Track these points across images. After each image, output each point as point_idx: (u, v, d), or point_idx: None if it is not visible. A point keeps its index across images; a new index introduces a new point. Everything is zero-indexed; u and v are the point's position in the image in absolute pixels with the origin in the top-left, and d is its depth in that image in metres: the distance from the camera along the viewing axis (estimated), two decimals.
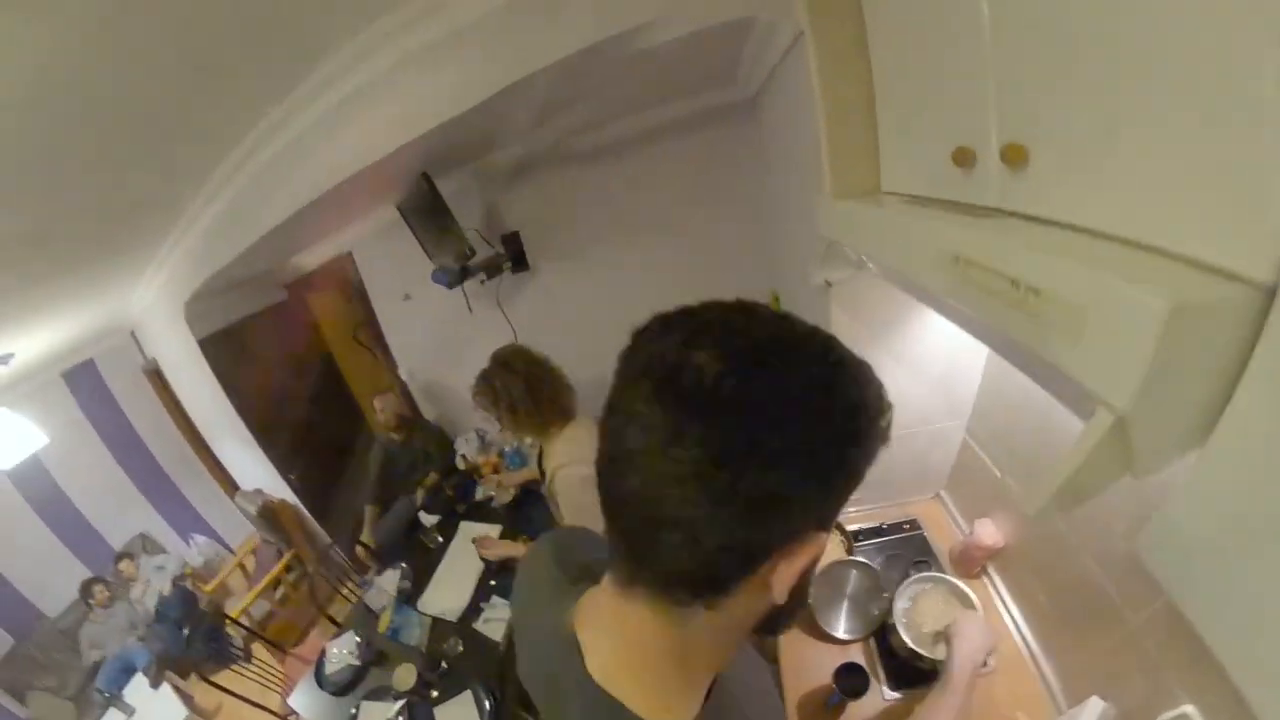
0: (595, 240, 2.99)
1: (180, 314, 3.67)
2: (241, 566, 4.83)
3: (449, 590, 2.67)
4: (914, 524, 2.03)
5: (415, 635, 2.44)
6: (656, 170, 2.79)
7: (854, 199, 1.26)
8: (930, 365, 1.73)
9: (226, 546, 5.84)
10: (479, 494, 3.24)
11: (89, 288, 3.37)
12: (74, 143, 1.70)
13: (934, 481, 2.09)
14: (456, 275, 2.76)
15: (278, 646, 3.45)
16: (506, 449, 3.36)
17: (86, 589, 4.45)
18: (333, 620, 2.93)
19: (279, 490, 4.48)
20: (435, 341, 3.88)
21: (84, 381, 5.25)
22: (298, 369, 4.64)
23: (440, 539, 2.95)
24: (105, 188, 2.07)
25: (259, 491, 4.69)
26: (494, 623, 2.42)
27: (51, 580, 4.83)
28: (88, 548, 5.19)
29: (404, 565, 2.81)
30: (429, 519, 3.15)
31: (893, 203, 1.17)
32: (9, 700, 4.13)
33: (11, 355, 3.49)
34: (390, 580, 2.77)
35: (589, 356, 2.18)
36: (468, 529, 2.94)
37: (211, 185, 2.48)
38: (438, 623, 2.52)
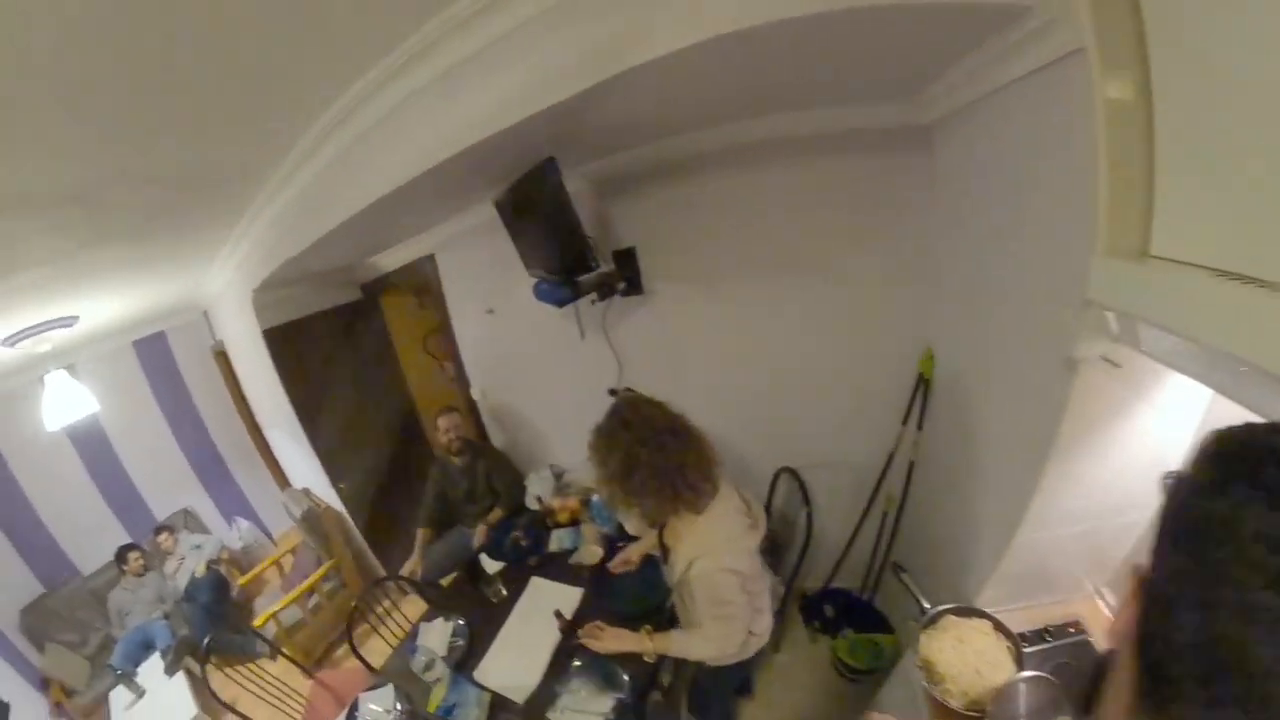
0: (720, 265, 2.48)
1: (248, 300, 3.41)
2: (278, 565, 4.46)
3: (515, 661, 2.17)
4: (1078, 626, 1.68)
5: (472, 715, 1.92)
6: (797, 190, 2.29)
7: (1125, 262, 1.08)
8: (1140, 450, 1.42)
9: (268, 535, 5.72)
10: (553, 544, 2.71)
11: (159, 261, 3.12)
12: (136, 93, 1.35)
13: (1099, 576, 1.74)
14: (568, 291, 2.27)
15: (302, 667, 3.04)
16: (595, 497, 2.78)
17: (122, 554, 4.37)
18: (367, 665, 2.42)
19: (327, 496, 4.14)
20: (516, 363, 3.45)
21: (153, 352, 5.24)
22: (363, 373, 4.25)
23: (504, 592, 2.41)
24: (170, 149, 1.73)
25: (306, 492, 4.40)
26: (574, 714, 1.89)
27: (91, 539, 4.78)
28: (132, 514, 5.12)
29: (460, 621, 2.29)
30: (491, 565, 2.66)
31: (1191, 274, 0.94)
32: (27, 647, 4.07)
33: (75, 318, 3.31)
34: (439, 635, 2.27)
35: (707, 402, 1.80)
36: (541, 588, 2.41)
37: (293, 158, 2.12)
38: (498, 700, 2.01)
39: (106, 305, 3.66)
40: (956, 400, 2.08)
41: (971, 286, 1.91)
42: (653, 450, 1.50)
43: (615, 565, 2.30)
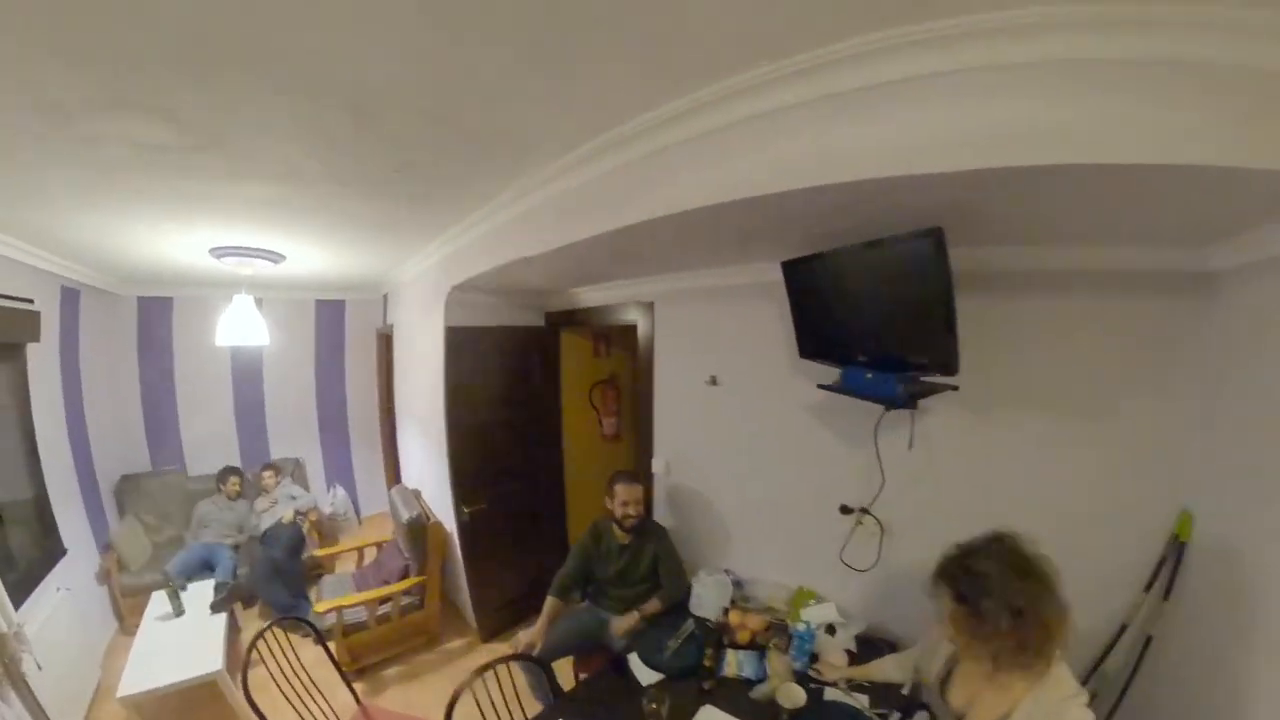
0: (987, 393, 2.05)
1: (443, 294, 3.28)
2: (360, 553, 4.01)
3: None
4: None
5: None
6: (1069, 324, 1.98)
7: None
8: None
9: (357, 512, 5.71)
10: (730, 667, 2.06)
11: (380, 224, 2.93)
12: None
13: None
14: (905, 390, 1.84)
15: (339, 669, 2.47)
16: (797, 626, 2.11)
17: (224, 474, 4.46)
18: None
19: (439, 509, 3.72)
20: (724, 447, 2.88)
21: (329, 315, 5.69)
22: (521, 404, 3.83)
23: (664, 715, 1.73)
24: (480, 84, 1.42)
25: (418, 495, 4.03)
26: None
27: (207, 448, 5.02)
28: (252, 442, 5.32)
29: None
30: (646, 674, 2.03)
31: None
32: (112, 509, 4.16)
33: (283, 257, 3.44)
34: None
35: (946, 537, 1.50)
36: None
37: (586, 151, 1.83)
38: None
39: (312, 257, 3.69)
40: (1221, 569, 1.80)
41: (1266, 445, 1.64)
42: (1052, 601, 1.29)
43: (827, 671, 1.99)
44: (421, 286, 3.91)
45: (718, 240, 2.07)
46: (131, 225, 2.67)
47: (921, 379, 1.88)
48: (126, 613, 3.61)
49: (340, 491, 5.45)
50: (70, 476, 3.54)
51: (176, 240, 3.01)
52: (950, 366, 1.70)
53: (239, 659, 3.24)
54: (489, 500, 3.45)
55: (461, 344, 3.34)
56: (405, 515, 3.47)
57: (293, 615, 3.42)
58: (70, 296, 3.67)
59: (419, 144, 1.77)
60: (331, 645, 3.06)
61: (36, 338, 3.11)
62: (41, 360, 3.27)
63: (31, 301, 3.02)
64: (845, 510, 2.35)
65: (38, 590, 2.78)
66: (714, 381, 2.82)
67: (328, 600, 3.17)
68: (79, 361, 3.81)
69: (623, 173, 1.79)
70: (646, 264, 2.74)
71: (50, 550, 3.08)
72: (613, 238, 1.93)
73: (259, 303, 4.84)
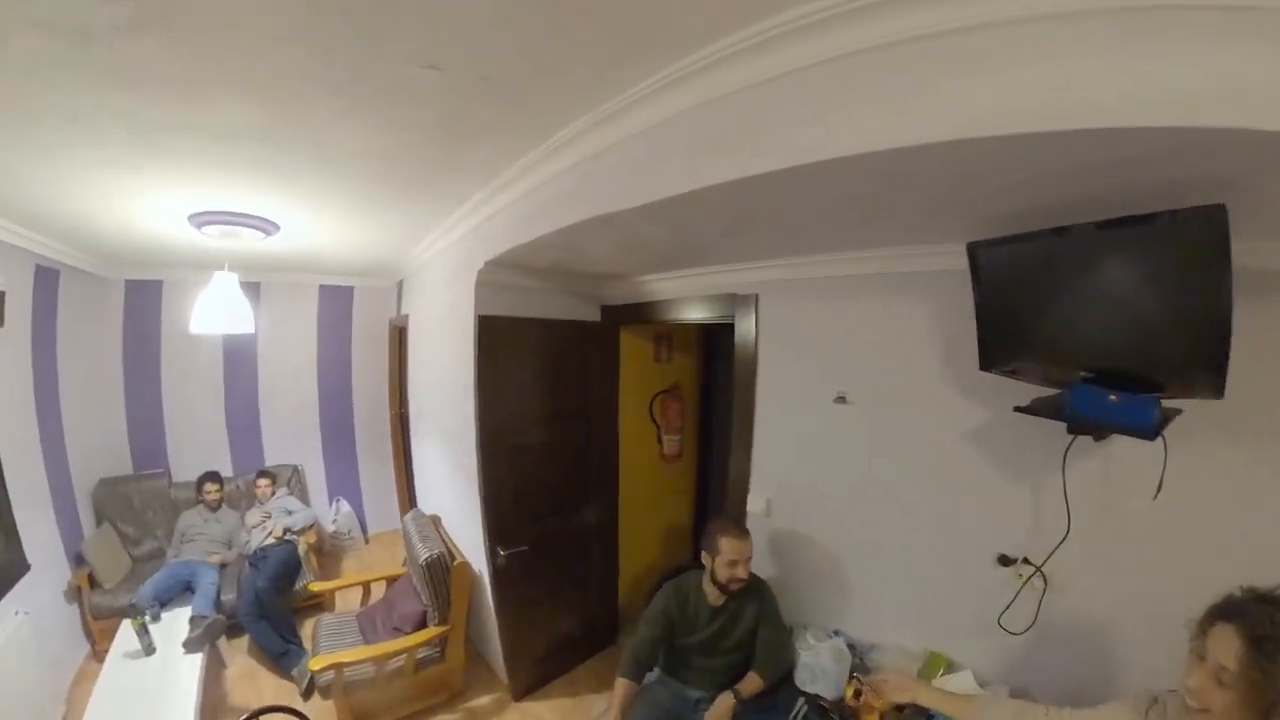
0: (1200, 418, 1.59)
1: (471, 275, 2.78)
2: (365, 587, 3.58)
3: None
4: None
5: None
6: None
7: None
8: None
9: (364, 531, 5.32)
10: None
11: (399, 176, 2.36)
12: None
13: None
14: (1161, 414, 1.44)
15: None
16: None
17: (201, 482, 4.07)
18: None
19: (469, 547, 3.21)
20: (847, 481, 2.40)
21: (335, 303, 5.31)
22: (574, 419, 3.32)
23: None
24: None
25: (437, 523, 3.58)
26: None
27: (195, 451, 4.70)
28: (244, 448, 4.97)
29: None
30: None
31: None
32: (88, 517, 3.87)
33: (277, 226, 2.99)
34: None
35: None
36: None
37: (714, 49, 1.30)
38: None
39: (311, 227, 3.17)
40: None
41: None
42: None
43: None
44: (445, 264, 3.37)
45: (898, 207, 1.58)
46: (86, 177, 2.20)
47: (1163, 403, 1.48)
48: (99, 636, 3.32)
49: (344, 506, 5.06)
50: (39, 480, 3.21)
51: (148, 202, 2.56)
52: (1217, 386, 1.33)
53: (220, 704, 2.97)
54: (530, 540, 2.99)
55: (497, 339, 2.84)
56: (424, 554, 2.98)
57: (283, 666, 3.20)
58: (47, 277, 3.35)
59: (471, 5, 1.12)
60: (330, 704, 2.72)
61: (0, 321, 2.78)
62: (8, 346, 2.95)
63: None
64: (1005, 561, 1.96)
65: None
66: (842, 399, 2.35)
67: (327, 654, 2.73)
68: (55, 349, 3.48)
69: (796, 85, 1.21)
70: (770, 239, 2.16)
71: (9, 566, 2.75)
72: (762, 186, 1.34)
73: (256, 288, 4.53)
